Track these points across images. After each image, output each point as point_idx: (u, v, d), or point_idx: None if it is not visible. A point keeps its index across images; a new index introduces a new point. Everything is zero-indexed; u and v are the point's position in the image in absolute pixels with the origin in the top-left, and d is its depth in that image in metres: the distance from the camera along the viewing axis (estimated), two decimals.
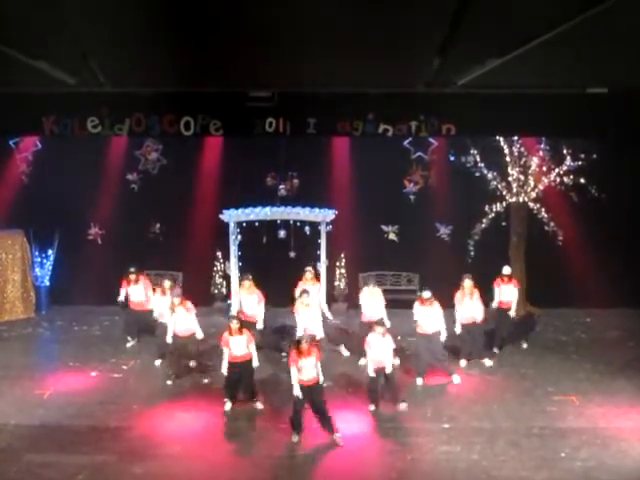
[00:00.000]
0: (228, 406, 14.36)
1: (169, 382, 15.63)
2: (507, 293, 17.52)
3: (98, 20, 8.08)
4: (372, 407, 14.32)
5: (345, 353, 17.42)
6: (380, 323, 14.40)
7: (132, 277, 18.09)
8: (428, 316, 15.61)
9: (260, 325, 16.72)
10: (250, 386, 14.48)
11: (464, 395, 15.04)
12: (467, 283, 16.48)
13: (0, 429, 13.18)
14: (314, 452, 12.64)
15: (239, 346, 14.08)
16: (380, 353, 14.07)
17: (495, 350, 17.61)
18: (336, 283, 21.15)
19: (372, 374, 14.20)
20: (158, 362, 16.82)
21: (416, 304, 15.84)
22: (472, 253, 20.66)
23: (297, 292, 16.94)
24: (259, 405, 14.45)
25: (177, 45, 9.31)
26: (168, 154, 21.35)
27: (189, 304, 15.81)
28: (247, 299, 16.87)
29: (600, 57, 9.93)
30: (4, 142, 20.58)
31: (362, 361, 16.26)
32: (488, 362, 16.74)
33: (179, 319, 15.62)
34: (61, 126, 13.68)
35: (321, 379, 13.09)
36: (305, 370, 12.80)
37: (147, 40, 9.05)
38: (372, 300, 16.74)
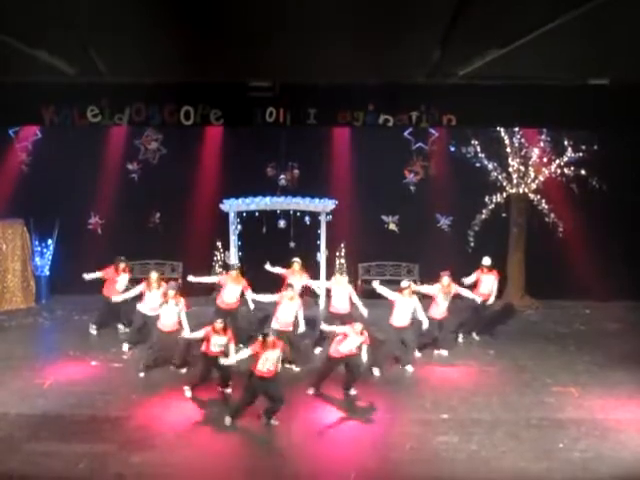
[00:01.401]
0: (188, 394, 14.45)
1: (141, 374, 15.54)
2: (487, 284, 17.64)
3: (98, 9, 8.08)
4: (311, 391, 14.50)
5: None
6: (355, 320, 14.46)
7: (121, 266, 18.16)
8: (405, 307, 15.73)
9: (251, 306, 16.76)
10: (227, 376, 14.53)
11: (463, 386, 15.05)
12: (445, 281, 16.49)
13: (0, 419, 13.16)
14: (312, 441, 12.64)
15: (218, 344, 14.12)
16: (350, 349, 14.14)
17: (475, 336, 18.06)
18: (336, 275, 21.13)
19: (330, 360, 14.43)
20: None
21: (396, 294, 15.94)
22: (472, 244, 20.68)
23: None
24: (228, 390, 14.51)
25: (177, 35, 9.30)
26: (168, 144, 21.34)
27: (182, 300, 15.77)
28: (233, 288, 16.85)
29: (601, 48, 9.92)
30: (4, 131, 20.54)
31: (317, 350, 16.69)
32: (444, 353, 16.84)
33: (167, 312, 15.62)
34: (61, 116, 13.65)
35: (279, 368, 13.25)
36: (267, 362, 12.82)
37: (147, 30, 9.05)
38: (338, 289, 16.82)
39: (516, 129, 19.90)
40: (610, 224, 19.72)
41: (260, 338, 13.07)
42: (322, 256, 19.33)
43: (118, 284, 18.14)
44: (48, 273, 21.69)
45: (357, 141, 20.56)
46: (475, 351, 17.05)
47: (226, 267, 20.80)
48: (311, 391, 14.47)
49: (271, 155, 19.95)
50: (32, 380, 15.08)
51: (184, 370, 15.64)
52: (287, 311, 15.67)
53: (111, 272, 18.19)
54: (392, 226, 21.68)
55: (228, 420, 13.07)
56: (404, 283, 15.90)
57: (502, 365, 16.34)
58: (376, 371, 15.60)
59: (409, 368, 15.79)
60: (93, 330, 18.51)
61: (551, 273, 19.97)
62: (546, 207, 20.55)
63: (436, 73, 11.50)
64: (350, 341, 14.02)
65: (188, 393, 14.43)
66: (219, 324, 14.03)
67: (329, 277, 19.16)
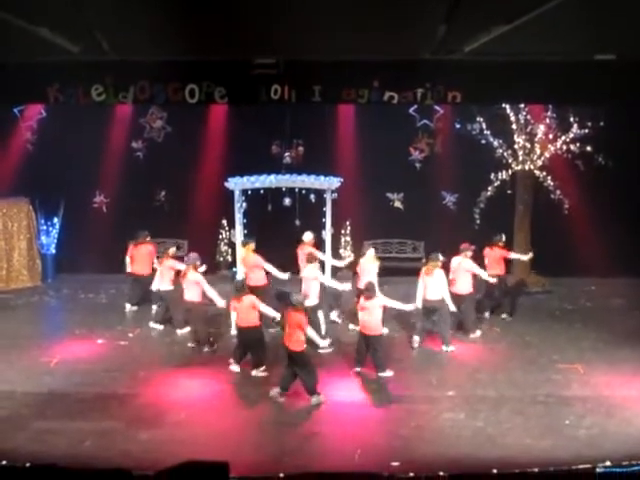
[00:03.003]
0: (234, 367, 14.66)
1: (206, 349, 15.88)
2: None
3: None
4: (357, 368, 14.55)
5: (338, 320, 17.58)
6: (369, 288, 14.42)
7: (140, 240, 18.36)
8: (429, 285, 15.66)
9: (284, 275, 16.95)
10: (256, 353, 14.63)
11: (469, 363, 15.07)
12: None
13: (8, 397, 13.23)
14: (319, 419, 12.68)
15: (242, 311, 14.29)
16: (367, 318, 14.19)
17: (486, 315, 17.94)
18: (341, 251, 21.16)
19: (359, 337, 14.53)
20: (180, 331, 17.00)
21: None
22: (478, 221, 20.66)
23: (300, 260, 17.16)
24: (260, 373, 14.55)
25: (181, 12, 9.27)
26: (173, 122, 21.34)
27: (200, 270, 16.11)
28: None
29: (607, 24, 9.86)
30: (9, 111, 20.53)
31: (351, 326, 16.76)
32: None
33: (189, 285, 15.78)
34: (66, 94, 13.63)
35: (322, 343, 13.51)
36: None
37: (151, 7, 9.02)
38: (368, 267, 16.79)
39: (522, 106, 19.81)
40: (616, 200, 19.67)
41: (290, 308, 13.22)
42: (327, 234, 19.24)
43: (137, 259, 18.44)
44: (54, 252, 21.74)
45: (362, 118, 20.51)
46: (481, 328, 17.02)
47: (231, 245, 20.83)
48: (357, 369, 14.56)
49: (276, 133, 19.87)
50: (38, 358, 15.15)
51: (206, 349, 15.78)
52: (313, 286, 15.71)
53: (131, 249, 18.33)
54: (397, 203, 21.68)
55: (274, 391, 13.30)
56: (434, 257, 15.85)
57: (508, 342, 16.36)
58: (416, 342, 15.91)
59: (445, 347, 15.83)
60: (129, 308, 18.73)
61: (557, 250, 19.92)
62: (552, 184, 20.48)
63: (441, 49, 11.46)
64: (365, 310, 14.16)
65: (234, 368, 14.65)
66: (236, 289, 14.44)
67: (335, 254, 19.18)
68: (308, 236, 17.54)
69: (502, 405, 12.98)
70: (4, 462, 9.49)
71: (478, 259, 17.19)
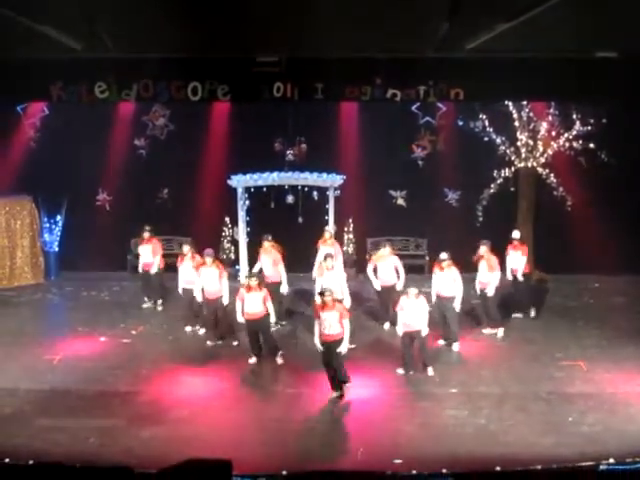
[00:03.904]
0: (252, 360, 14.79)
1: (220, 342, 16.01)
2: (515, 258, 17.40)
3: None
4: (400, 370, 14.34)
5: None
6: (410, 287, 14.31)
7: (145, 236, 18.27)
8: (440, 281, 15.60)
9: (284, 287, 16.72)
10: (269, 341, 14.78)
11: (472, 360, 15.07)
12: (482, 250, 16.35)
13: (11, 394, 13.26)
14: (322, 416, 12.71)
15: (254, 303, 14.32)
16: (411, 316, 14.08)
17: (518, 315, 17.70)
18: (344, 248, 21.14)
19: (403, 337, 14.30)
20: (189, 328, 16.98)
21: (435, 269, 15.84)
22: (480, 218, 20.64)
23: (319, 255, 17.08)
24: (279, 360, 14.72)
25: (184, 10, 9.27)
26: (176, 120, 21.32)
27: (220, 266, 16.27)
28: (265, 260, 16.87)
29: (609, 21, 9.86)
30: (12, 108, 20.53)
31: (386, 325, 16.61)
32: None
33: (208, 279, 15.87)
34: (68, 92, 13.66)
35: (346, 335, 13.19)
36: (327, 323, 12.92)
37: (154, 5, 9.02)
38: (384, 262, 16.75)
39: (524, 103, 19.78)
40: (619, 197, 19.64)
41: (318, 299, 13.20)
42: (330, 231, 19.24)
43: (142, 256, 18.44)
44: (57, 249, 21.75)
45: (365, 115, 20.48)
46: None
47: (234, 242, 20.83)
48: (400, 371, 14.37)
49: (278, 130, 19.88)
50: (41, 356, 15.18)
51: (220, 342, 15.97)
52: (328, 280, 15.46)
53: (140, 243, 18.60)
54: (400, 201, 21.64)
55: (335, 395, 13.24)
56: (443, 256, 15.70)
57: (510, 339, 16.33)
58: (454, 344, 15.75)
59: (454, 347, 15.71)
60: (145, 304, 18.75)
61: (560, 247, 19.88)
62: (554, 181, 20.46)
63: (444, 47, 11.46)
64: (409, 308, 14.09)
65: (252, 359, 14.80)
66: (251, 281, 14.42)
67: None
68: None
69: (505, 402, 12.98)
70: (7, 460, 9.51)
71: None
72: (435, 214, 21.10)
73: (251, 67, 13.03)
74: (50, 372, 14.37)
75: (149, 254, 18.26)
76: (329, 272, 15.66)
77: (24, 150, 21.20)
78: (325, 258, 15.88)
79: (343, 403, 13.02)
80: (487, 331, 16.60)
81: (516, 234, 17.47)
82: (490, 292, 16.20)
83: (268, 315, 14.58)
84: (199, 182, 21.13)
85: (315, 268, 16.84)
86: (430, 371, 14.24)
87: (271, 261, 16.69)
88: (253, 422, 12.38)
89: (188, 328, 16.79)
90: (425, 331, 14.06)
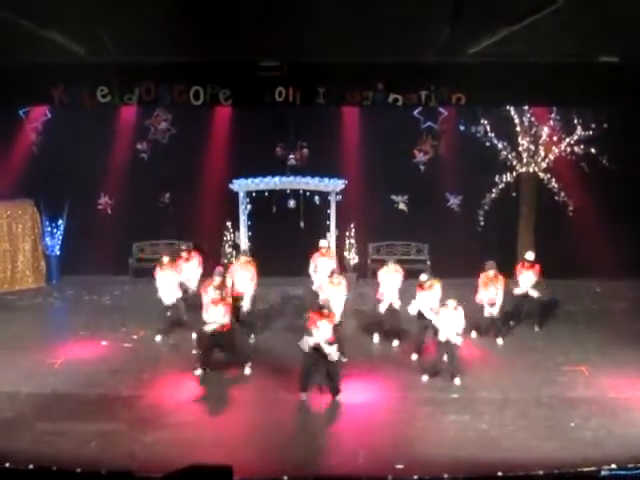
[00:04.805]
0: (198, 372, 14.38)
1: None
2: (527, 278, 17.06)
3: None
4: (425, 377, 14.32)
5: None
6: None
7: (184, 255, 17.43)
8: (427, 300, 15.32)
9: (246, 303, 16.13)
10: (234, 352, 14.65)
11: (473, 365, 15.03)
12: (491, 273, 16.13)
13: (12, 398, 13.25)
14: (322, 420, 12.72)
15: (217, 314, 14.14)
16: (449, 327, 13.99)
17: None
18: (345, 253, 21.15)
19: (439, 346, 14.28)
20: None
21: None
22: (482, 223, 20.66)
23: (311, 266, 16.81)
24: (247, 370, 14.58)
25: (186, 15, 9.28)
26: (178, 124, 21.32)
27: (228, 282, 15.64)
28: (240, 274, 16.39)
29: (612, 26, 9.86)
30: (14, 112, 20.54)
31: (395, 343, 16.31)
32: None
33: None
34: (71, 96, 13.66)
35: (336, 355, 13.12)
36: (322, 332, 12.92)
37: (156, 9, 9.03)
38: (388, 278, 16.41)
39: (526, 108, 19.81)
40: (620, 202, 19.64)
41: (316, 309, 13.31)
42: (332, 236, 19.30)
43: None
44: (58, 253, 21.76)
45: (366, 120, 20.48)
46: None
47: (236, 247, 20.83)
48: (425, 378, 14.34)
49: (280, 135, 19.90)
50: (43, 360, 15.16)
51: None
52: (333, 296, 15.07)
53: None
54: (402, 205, 21.63)
55: (303, 396, 13.28)
56: (423, 277, 15.60)
57: (512, 344, 16.33)
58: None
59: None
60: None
61: (561, 252, 19.89)
62: (556, 186, 20.49)
63: (445, 52, 11.46)
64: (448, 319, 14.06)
65: (197, 372, 14.39)
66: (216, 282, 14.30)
67: (339, 258, 19.09)
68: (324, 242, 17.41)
69: (506, 407, 12.97)
70: (7, 464, 9.49)
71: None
72: (437, 219, 21.11)
73: (253, 71, 13.04)
74: (51, 376, 14.36)
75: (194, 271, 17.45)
76: (335, 289, 15.33)
77: (26, 154, 21.19)
78: (331, 274, 15.67)
79: (344, 408, 13.01)
80: (500, 341, 16.55)
81: (530, 255, 17.23)
82: (496, 312, 16.22)
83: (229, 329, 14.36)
84: (201, 186, 21.12)
85: (316, 281, 16.59)
86: (457, 381, 14.14)
87: (249, 276, 16.25)
88: (254, 427, 12.37)
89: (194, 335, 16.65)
90: (459, 342, 14.06)
